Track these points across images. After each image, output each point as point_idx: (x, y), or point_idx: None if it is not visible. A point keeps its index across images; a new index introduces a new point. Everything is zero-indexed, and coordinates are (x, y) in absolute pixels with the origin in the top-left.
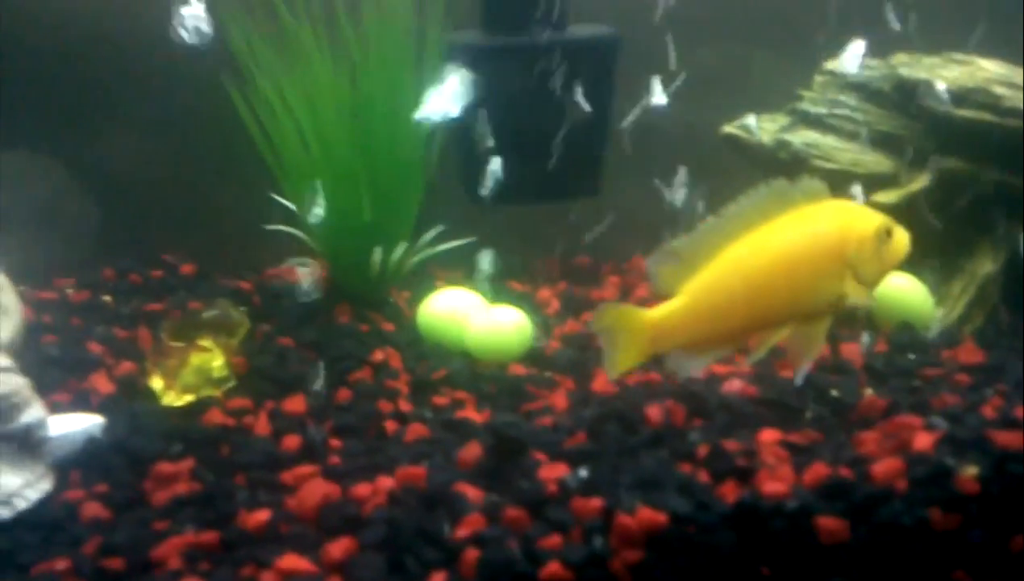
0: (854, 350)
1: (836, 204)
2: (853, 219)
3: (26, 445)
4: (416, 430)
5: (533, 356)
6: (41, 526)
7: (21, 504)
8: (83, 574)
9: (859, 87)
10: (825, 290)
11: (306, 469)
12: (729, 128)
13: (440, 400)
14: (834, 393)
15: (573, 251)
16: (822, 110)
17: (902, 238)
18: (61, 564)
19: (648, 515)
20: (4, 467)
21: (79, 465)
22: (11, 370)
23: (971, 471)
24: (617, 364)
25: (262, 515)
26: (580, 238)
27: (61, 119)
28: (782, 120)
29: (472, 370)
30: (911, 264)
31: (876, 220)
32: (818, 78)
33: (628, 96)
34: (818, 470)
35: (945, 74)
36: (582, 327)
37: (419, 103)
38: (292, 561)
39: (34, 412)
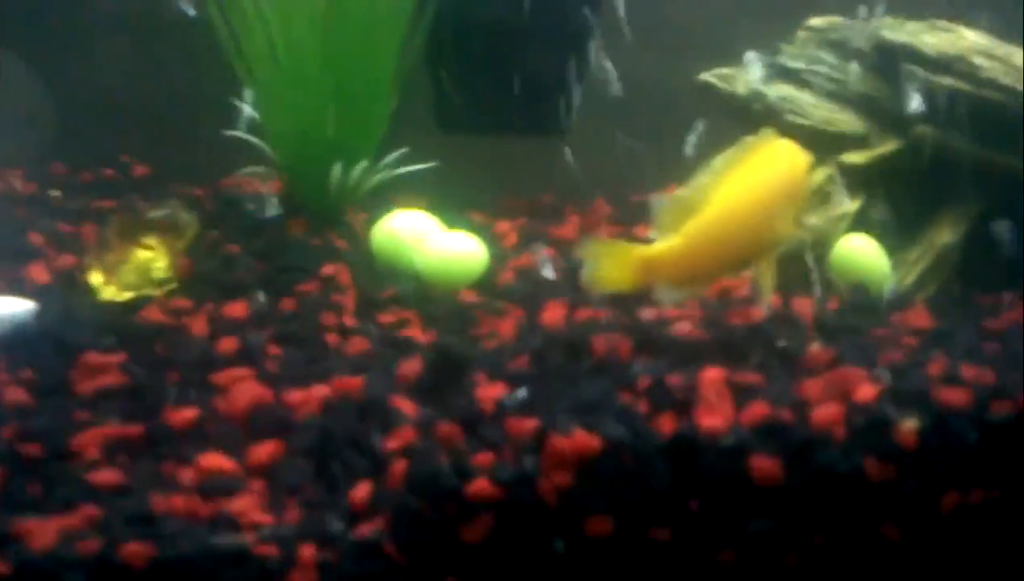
0: (805, 305)
1: (782, 144)
2: (796, 155)
3: None
4: (358, 344)
5: (485, 284)
6: None
7: None
8: None
9: (839, 45)
10: (785, 222)
11: (240, 372)
12: (705, 76)
13: (386, 318)
14: (781, 343)
15: (537, 188)
16: (801, 65)
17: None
18: None
19: (582, 439)
20: None
21: (5, 349)
22: None
23: (911, 424)
24: (600, 282)
25: (189, 412)
26: (545, 176)
27: (20, 17)
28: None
29: (422, 292)
30: (870, 226)
31: (805, 154)
32: (800, 33)
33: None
34: (758, 409)
35: (927, 40)
36: (535, 261)
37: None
38: (215, 460)
39: None
